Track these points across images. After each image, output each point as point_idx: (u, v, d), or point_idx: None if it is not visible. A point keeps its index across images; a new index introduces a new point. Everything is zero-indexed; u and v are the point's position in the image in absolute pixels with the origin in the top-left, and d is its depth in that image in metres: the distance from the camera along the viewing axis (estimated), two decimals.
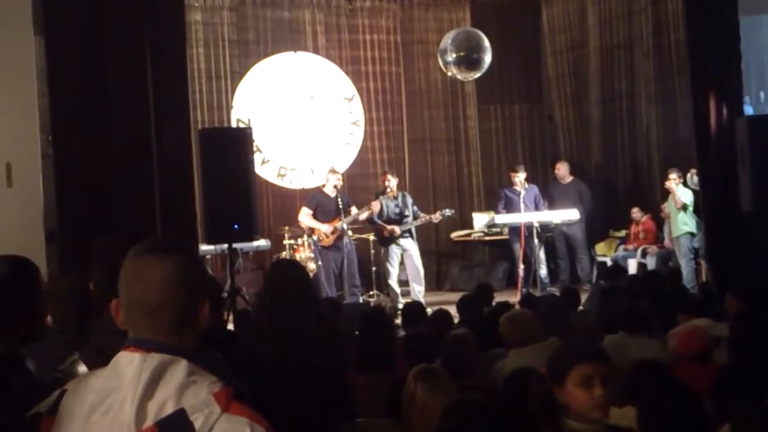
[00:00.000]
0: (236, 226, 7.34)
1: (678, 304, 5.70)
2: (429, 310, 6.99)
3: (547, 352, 4.32)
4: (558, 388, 2.67)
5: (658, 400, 2.90)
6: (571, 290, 7.52)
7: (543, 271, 10.36)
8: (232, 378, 1.73)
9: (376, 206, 9.89)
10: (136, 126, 6.67)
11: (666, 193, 10.39)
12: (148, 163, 6.70)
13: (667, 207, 10.30)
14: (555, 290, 9.98)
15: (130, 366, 1.69)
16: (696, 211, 9.79)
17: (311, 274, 10.05)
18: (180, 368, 1.68)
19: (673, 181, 10.05)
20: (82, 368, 2.27)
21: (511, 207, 10.50)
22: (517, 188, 10.41)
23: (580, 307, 7.05)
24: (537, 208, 10.59)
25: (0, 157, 5.93)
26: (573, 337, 3.27)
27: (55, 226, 6.45)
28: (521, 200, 10.28)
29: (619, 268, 9.44)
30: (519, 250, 10.37)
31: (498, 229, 11.79)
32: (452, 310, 8.12)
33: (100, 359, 1.91)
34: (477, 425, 2.60)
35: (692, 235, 9.99)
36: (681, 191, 10.02)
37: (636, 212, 11.11)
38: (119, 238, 2.42)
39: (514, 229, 10.60)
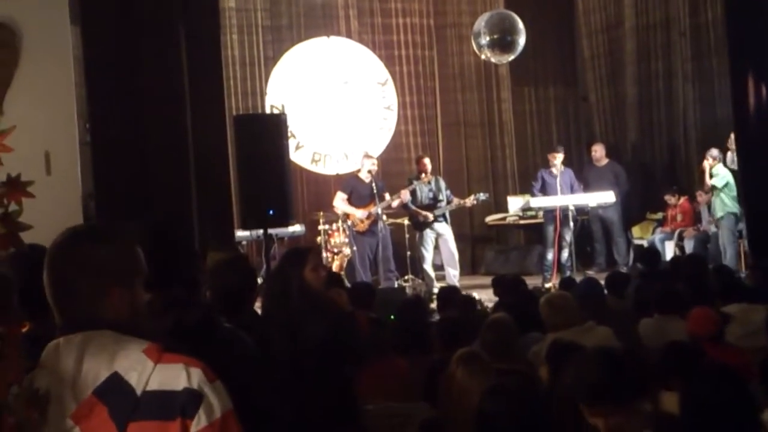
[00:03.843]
0: (271, 212, 7.38)
1: (716, 288, 5.64)
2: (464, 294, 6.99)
3: (585, 336, 4.33)
4: None
5: (703, 383, 2.86)
6: (618, 275, 7.40)
7: (565, 255, 10.26)
8: (163, 339, 1.78)
9: (404, 194, 9.90)
10: (171, 113, 6.71)
11: (702, 177, 10.28)
12: (183, 149, 6.75)
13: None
14: (592, 273, 9.93)
15: (56, 352, 1.75)
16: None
17: (346, 260, 10.11)
18: (104, 339, 1.74)
19: (707, 162, 9.96)
20: None
21: (546, 189, 10.43)
22: (554, 171, 10.33)
23: None
24: (572, 191, 10.49)
25: (39, 145, 6.01)
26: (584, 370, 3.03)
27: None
28: (557, 183, 10.22)
29: (654, 251, 9.35)
30: (553, 233, 10.32)
31: (533, 213, 11.72)
32: (485, 294, 8.16)
33: None
34: (515, 409, 2.60)
35: (735, 215, 9.84)
36: (719, 171, 9.90)
37: (669, 198, 10.99)
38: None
39: (549, 212, 10.53)
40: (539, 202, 10.48)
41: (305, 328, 3.64)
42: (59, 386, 1.71)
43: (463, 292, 7.18)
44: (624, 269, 10.06)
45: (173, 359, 1.72)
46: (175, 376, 1.70)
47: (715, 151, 9.98)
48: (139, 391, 1.68)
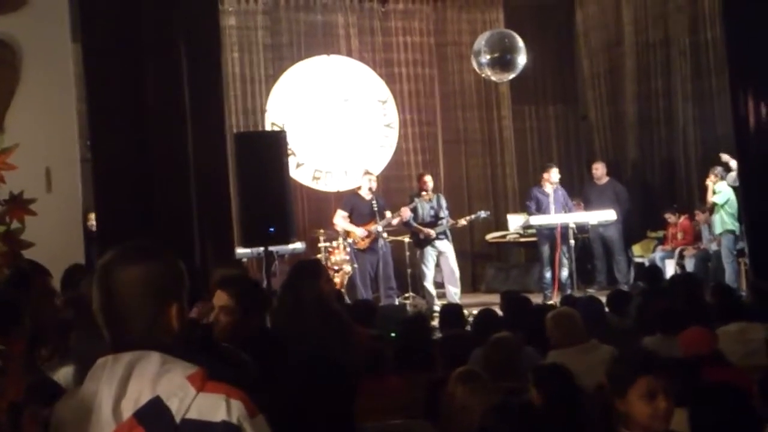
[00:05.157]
0: (272, 230, 7.37)
1: (715, 307, 5.62)
2: (465, 312, 6.97)
3: (588, 355, 4.31)
4: (619, 399, 2.62)
5: (710, 401, 2.85)
6: (620, 293, 7.41)
7: (564, 273, 10.25)
8: (209, 364, 1.76)
9: (405, 212, 9.90)
10: (172, 130, 6.72)
11: (705, 194, 10.29)
12: (184, 166, 6.75)
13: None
14: (593, 291, 9.91)
15: (102, 370, 1.74)
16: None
17: (346, 277, 10.09)
18: (152, 361, 1.72)
19: (710, 180, 9.98)
20: None
21: (540, 208, 10.42)
22: (546, 189, 10.33)
23: None
24: (565, 209, 10.45)
25: (39, 162, 6.01)
26: (636, 348, 3.22)
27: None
28: (550, 201, 10.21)
29: (656, 269, 9.34)
30: (547, 252, 10.30)
31: (533, 231, 11.70)
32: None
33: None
34: (517, 427, 2.58)
35: (733, 233, 9.84)
36: (721, 188, 9.90)
37: (669, 216, 10.99)
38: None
39: (541, 231, 10.51)
40: (539, 219, 10.46)
41: (324, 342, 3.63)
42: (101, 405, 1.71)
43: (465, 310, 7.16)
44: (625, 287, 10.04)
45: (216, 389, 1.71)
46: (215, 406, 1.68)
47: (718, 169, 9.98)
48: (178, 419, 1.66)
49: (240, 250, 8.99)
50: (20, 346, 1.76)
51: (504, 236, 12.39)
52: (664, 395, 2.57)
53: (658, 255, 10.95)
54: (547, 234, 10.34)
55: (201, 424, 1.66)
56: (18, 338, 1.76)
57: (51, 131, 6.34)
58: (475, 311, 8.21)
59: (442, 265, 10.04)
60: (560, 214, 10.18)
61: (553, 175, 10.38)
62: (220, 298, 3.39)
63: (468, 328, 6.33)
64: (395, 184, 12.17)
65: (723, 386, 3.12)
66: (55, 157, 6.28)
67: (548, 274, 10.28)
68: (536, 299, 9.67)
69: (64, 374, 2.76)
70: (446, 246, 10.04)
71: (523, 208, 12.20)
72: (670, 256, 10.77)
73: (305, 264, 4.25)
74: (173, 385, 1.69)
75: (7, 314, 1.74)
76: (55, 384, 2.42)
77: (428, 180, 10.24)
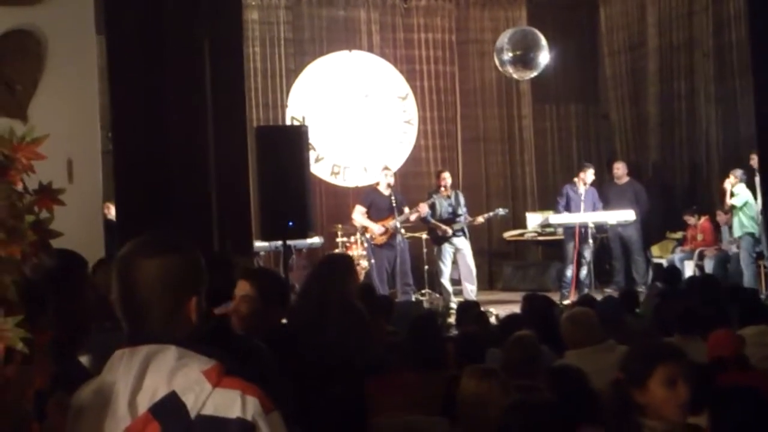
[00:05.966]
0: (291, 224, 7.40)
1: (734, 309, 5.58)
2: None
3: (605, 355, 4.29)
4: (637, 390, 2.62)
5: (731, 404, 2.84)
6: (630, 292, 7.40)
7: (583, 272, 10.21)
8: (226, 359, 1.75)
9: (423, 208, 9.89)
10: (193, 123, 6.75)
11: (723, 196, 10.24)
12: (205, 160, 6.78)
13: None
14: (610, 291, 9.87)
15: (120, 362, 1.74)
16: None
17: (363, 273, 10.10)
18: (169, 355, 1.72)
19: (728, 182, 9.90)
20: None
21: (570, 206, 10.39)
22: (580, 189, 10.30)
23: (637, 310, 6.95)
24: (594, 209, 10.43)
25: (61, 153, 6.03)
26: (652, 339, 3.23)
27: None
28: (581, 200, 10.18)
29: (675, 270, 9.29)
30: (573, 250, 10.28)
31: (552, 229, 11.67)
32: (503, 309, 8.13)
33: None
34: (539, 424, 2.59)
35: (752, 236, 9.78)
36: (739, 191, 9.84)
37: (689, 217, 10.93)
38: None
39: (569, 229, 10.48)
40: (558, 218, 10.44)
41: (346, 336, 3.64)
42: (118, 397, 1.71)
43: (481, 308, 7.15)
44: (643, 288, 10.00)
45: (231, 384, 1.70)
46: (230, 403, 1.67)
47: (739, 171, 9.91)
48: (193, 414, 1.66)
49: (258, 244, 9.03)
50: (46, 335, 1.76)
51: (522, 234, 12.37)
52: (683, 381, 2.57)
53: (677, 256, 10.89)
54: (572, 233, 10.31)
55: (216, 421, 1.65)
56: (44, 328, 1.76)
57: (73, 122, 6.36)
58: (492, 309, 8.24)
59: (459, 262, 10.04)
60: (579, 214, 10.15)
61: (589, 175, 10.36)
62: (242, 288, 3.39)
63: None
64: (413, 181, 12.18)
65: (744, 389, 3.11)
66: (76, 148, 6.31)
67: (569, 273, 10.25)
68: (553, 298, 9.68)
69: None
70: (463, 243, 10.03)
71: (542, 207, 12.20)
72: (690, 258, 10.71)
73: (338, 258, 4.25)
74: (189, 380, 1.68)
75: (33, 304, 1.75)
76: (87, 371, 2.43)
77: (447, 177, 10.24)
